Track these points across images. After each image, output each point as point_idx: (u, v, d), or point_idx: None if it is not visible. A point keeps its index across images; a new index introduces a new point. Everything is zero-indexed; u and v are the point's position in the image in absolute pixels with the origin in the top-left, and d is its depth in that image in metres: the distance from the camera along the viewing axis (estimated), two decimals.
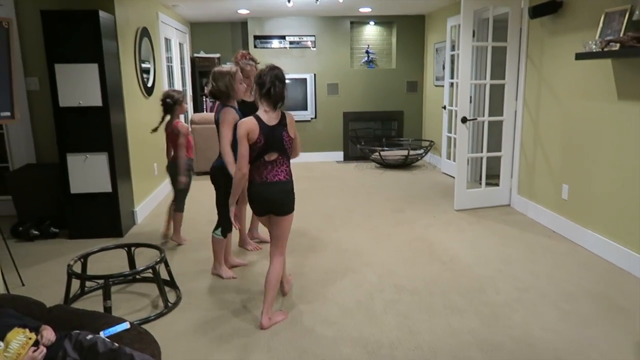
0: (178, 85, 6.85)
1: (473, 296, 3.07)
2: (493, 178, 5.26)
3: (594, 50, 3.39)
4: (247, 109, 3.16)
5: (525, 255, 3.73)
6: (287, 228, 2.77)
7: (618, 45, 3.22)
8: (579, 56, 3.53)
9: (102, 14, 3.99)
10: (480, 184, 5.14)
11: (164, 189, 5.79)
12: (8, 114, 3.24)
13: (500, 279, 3.32)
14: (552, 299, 3.02)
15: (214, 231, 3.36)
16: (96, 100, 4.03)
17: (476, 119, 5.12)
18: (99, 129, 4.09)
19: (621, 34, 3.26)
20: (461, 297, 3.06)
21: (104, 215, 4.24)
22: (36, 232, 4.22)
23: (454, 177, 5.24)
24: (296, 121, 2.82)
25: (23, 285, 3.32)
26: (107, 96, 4.05)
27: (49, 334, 1.96)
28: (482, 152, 5.12)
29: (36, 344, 1.92)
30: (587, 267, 3.50)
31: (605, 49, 3.29)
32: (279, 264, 2.78)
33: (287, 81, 2.70)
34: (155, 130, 3.88)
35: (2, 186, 4.83)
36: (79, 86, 4.00)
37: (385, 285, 3.25)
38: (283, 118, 2.66)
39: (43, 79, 4.50)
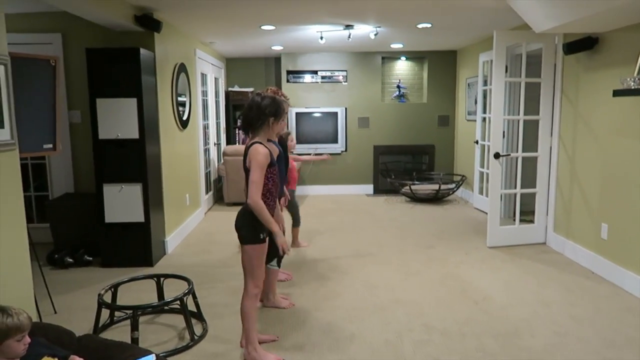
0: (212, 118, 7.03)
1: (508, 340, 2.94)
2: (527, 214, 5.11)
3: (633, 87, 3.30)
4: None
5: (563, 297, 3.57)
6: (246, 260, 2.63)
7: None
8: (617, 93, 3.45)
9: (142, 51, 4.17)
10: (514, 220, 5.00)
11: (195, 219, 5.87)
12: (50, 146, 3.38)
13: (537, 322, 3.17)
14: (593, 346, 2.86)
15: (268, 263, 3.34)
16: (133, 133, 4.17)
17: (509, 154, 5.03)
18: (135, 160, 4.21)
19: None
20: (495, 340, 2.94)
21: (136, 245, 4.31)
22: (71, 260, 4.32)
23: (486, 213, 5.12)
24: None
25: (55, 312, 3.38)
26: (144, 129, 4.18)
27: None
28: (515, 188, 5.00)
29: None
30: (631, 311, 3.31)
31: None
32: (244, 299, 2.67)
33: (269, 108, 2.63)
34: None
35: (41, 214, 5.01)
36: (118, 119, 4.15)
37: (414, 324, 3.15)
38: (249, 146, 2.61)
39: (85, 112, 4.70)
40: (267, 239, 2.67)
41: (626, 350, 2.80)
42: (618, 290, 3.69)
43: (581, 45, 4.11)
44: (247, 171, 2.62)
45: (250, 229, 2.61)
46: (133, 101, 4.14)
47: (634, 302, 3.46)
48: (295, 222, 4.82)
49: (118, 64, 4.12)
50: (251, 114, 2.63)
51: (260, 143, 2.59)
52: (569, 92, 4.47)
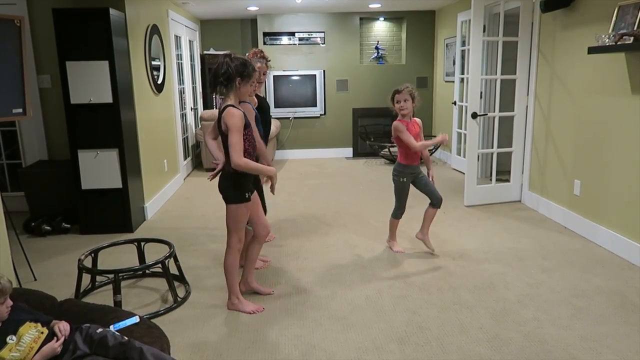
0: (187, 82, 6.88)
1: (483, 292, 3.05)
2: (503, 174, 5.21)
3: (607, 44, 3.33)
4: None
5: (536, 252, 3.69)
6: (231, 219, 2.74)
7: (632, 38, 3.16)
8: (592, 50, 3.48)
9: (112, 11, 4.01)
10: (491, 179, 5.10)
11: (174, 185, 5.82)
12: (20, 110, 3.27)
13: (511, 275, 3.29)
14: (564, 295, 2.98)
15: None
16: (107, 97, 4.06)
17: (487, 114, 5.07)
18: (110, 125, 4.12)
19: (635, 28, 3.20)
20: (471, 293, 3.04)
21: (115, 211, 4.27)
22: (48, 228, 4.27)
23: (464, 173, 5.20)
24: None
25: (35, 279, 3.35)
26: (118, 93, 4.07)
27: (65, 326, 1.96)
28: (492, 147, 5.07)
29: (48, 337, 1.93)
30: (600, 263, 3.45)
31: (619, 43, 3.23)
32: (228, 254, 2.79)
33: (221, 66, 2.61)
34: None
35: (15, 182, 4.90)
36: (90, 83, 4.03)
37: (394, 281, 3.24)
38: (222, 110, 2.61)
39: (55, 76, 4.54)
40: (251, 197, 2.77)
41: (595, 297, 2.94)
42: (589, 243, 3.83)
43: (558, 2, 4.10)
44: (222, 134, 2.63)
45: (235, 189, 2.69)
46: (105, 64, 4.01)
47: (604, 254, 3.61)
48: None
49: (87, 25, 3.96)
50: (218, 72, 2.62)
51: (233, 106, 2.60)
52: (545, 50, 4.49)
